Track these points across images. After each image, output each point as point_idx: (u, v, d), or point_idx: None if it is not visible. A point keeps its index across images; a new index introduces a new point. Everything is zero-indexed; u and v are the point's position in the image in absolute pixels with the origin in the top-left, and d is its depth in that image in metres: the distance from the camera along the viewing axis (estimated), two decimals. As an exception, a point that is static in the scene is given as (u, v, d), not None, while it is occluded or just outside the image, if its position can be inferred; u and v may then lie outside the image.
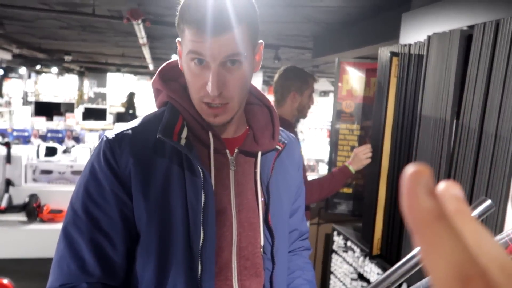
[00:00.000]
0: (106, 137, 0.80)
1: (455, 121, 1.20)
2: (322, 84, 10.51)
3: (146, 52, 5.91)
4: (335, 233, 2.10)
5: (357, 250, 1.89)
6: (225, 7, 0.71)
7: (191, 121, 0.83)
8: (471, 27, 1.53)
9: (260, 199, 0.85)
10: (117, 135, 0.80)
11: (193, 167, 0.78)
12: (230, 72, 0.75)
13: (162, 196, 0.77)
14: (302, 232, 1.05)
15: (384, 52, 1.78)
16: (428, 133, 1.33)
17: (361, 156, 1.85)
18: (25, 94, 13.20)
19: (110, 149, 0.78)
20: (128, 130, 0.81)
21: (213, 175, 0.81)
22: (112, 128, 7.52)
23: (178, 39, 0.81)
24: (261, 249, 0.84)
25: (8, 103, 11.82)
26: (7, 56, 6.87)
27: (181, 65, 0.82)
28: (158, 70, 0.88)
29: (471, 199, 1.19)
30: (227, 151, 0.85)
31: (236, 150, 0.86)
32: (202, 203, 0.77)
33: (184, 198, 0.77)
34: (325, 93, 12.21)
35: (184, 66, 0.79)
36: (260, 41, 0.84)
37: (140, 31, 3.93)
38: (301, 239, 1.05)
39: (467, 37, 1.17)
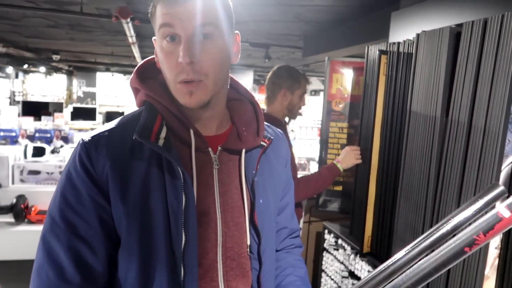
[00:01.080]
0: (83, 140, 0.78)
1: (444, 118, 1.21)
2: (312, 83, 10.53)
3: (136, 51, 5.86)
4: (326, 231, 2.10)
5: (348, 248, 1.89)
6: None
7: (171, 119, 0.80)
8: (460, 25, 1.55)
9: (246, 198, 0.83)
10: (93, 137, 0.78)
11: (173, 168, 0.75)
12: (202, 45, 0.73)
13: (141, 199, 0.75)
14: (293, 229, 1.03)
15: (372, 51, 1.78)
16: (418, 130, 1.33)
17: (352, 155, 1.85)
18: (12, 93, 13.01)
19: (86, 152, 0.76)
20: (104, 132, 0.79)
21: (195, 174, 0.79)
22: (101, 128, 7.46)
23: (154, 37, 0.80)
24: (248, 249, 0.83)
25: (-5, 103, 11.63)
26: (-6, 55, 6.76)
27: (157, 62, 0.81)
28: (135, 68, 0.85)
29: (460, 193, 1.20)
30: (210, 149, 0.83)
31: (219, 148, 0.84)
32: (183, 205, 0.74)
33: (165, 201, 0.75)
34: (315, 92, 12.26)
35: (157, 51, 0.78)
36: (236, 31, 0.83)
37: (129, 29, 3.89)
38: (292, 237, 1.03)
39: (456, 35, 1.18)
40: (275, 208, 0.93)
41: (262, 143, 0.88)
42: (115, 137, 0.78)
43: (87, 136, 0.78)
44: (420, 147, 1.32)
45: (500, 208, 0.51)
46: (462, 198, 1.18)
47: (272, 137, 0.90)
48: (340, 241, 1.96)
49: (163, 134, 0.78)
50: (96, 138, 0.77)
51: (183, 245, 0.74)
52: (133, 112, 0.84)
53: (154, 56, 0.83)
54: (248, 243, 0.83)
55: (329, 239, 2.06)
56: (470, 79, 1.11)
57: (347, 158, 1.86)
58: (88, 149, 0.76)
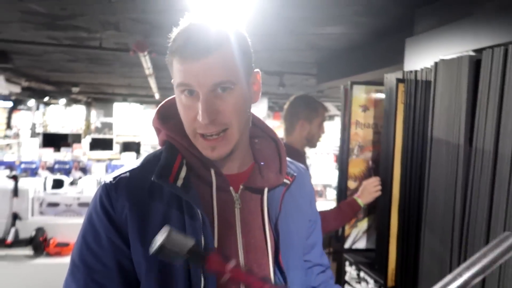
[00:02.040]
0: (104, 181, 0.79)
1: (468, 147, 1.18)
2: (328, 108, 10.54)
3: (152, 82, 5.99)
4: (347, 263, 2.03)
5: (371, 281, 1.82)
6: (207, 31, 0.71)
7: (191, 159, 0.79)
8: (477, 50, 1.53)
9: (269, 238, 0.80)
10: (114, 178, 0.78)
11: (192, 209, 0.74)
12: (221, 99, 0.72)
13: None
14: (324, 265, 1.00)
15: (389, 79, 1.77)
16: (440, 159, 1.30)
17: (371, 188, 1.77)
18: (33, 125, 13.38)
19: (107, 194, 0.76)
20: (126, 172, 0.79)
21: (216, 214, 0.77)
22: (118, 158, 7.56)
23: (173, 80, 0.80)
24: None
25: (17, 135, 11.98)
26: (16, 89, 7.00)
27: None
28: (157, 108, 0.86)
29: (489, 226, 1.15)
30: (231, 188, 0.81)
31: (241, 187, 0.82)
32: (202, 247, 0.73)
33: None
34: (330, 117, 12.23)
35: (177, 101, 0.77)
36: (256, 70, 0.82)
37: (146, 62, 4.00)
38: (324, 272, 1.00)
39: (475, 62, 1.16)
40: (300, 247, 0.90)
41: (285, 180, 0.86)
42: (136, 178, 0.78)
43: (109, 178, 0.79)
44: (443, 176, 1.28)
45: None
46: (492, 228, 1.13)
47: (295, 174, 0.88)
48: (362, 274, 1.90)
49: (182, 174, 0.77)
50: (117, 180, 0.77)
51: None
52: (155, 152, 0.85)
53: (174, 96, 0.84)
54: None
55: (350, 271, 2.00)
56: (494, 107, 1.08)
57: (366, 192, 1.78)
58: (108, 190, 0.76)
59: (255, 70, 0.82)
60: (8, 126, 13.32)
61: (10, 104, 12.55)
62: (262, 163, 0.86)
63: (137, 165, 0.81)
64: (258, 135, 0.90)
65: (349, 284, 2.01)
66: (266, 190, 0.83)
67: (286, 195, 0.85)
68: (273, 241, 0.81)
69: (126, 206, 0.74)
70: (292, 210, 0.87)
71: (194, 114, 0.73)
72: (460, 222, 1.24)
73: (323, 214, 1.82)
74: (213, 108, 0.71)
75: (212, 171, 0.79)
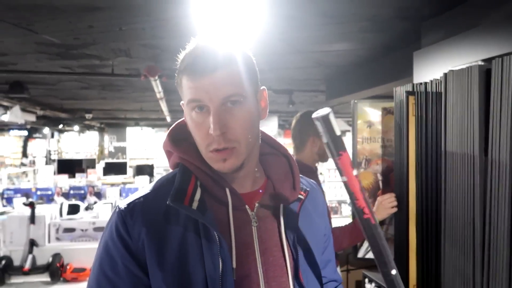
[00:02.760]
0: (119, 207, 0.78)
1: (484, 157, 1.16)
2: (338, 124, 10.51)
3: (163, 105, 6.08)
4: (366, 280, 1.99)
5: (392, 298, 1.78)
6: (214, 49, 0.74)
7: (205, 180, 0.80)
8: (485, 60, 1.52)
9: (287, 255, 0.80)
10: (128, 205, 0.78)
11: (209, 231, 0.74)
12: (231, 113, 0.74)
13: (179, 265, 0.73)
14: (338, 281, 0.99)
15: (398, 92, 1.77)
16: (456, 171, 1.28)
17: (386, 204, 1.74)
18: (48, 152, 13.63)
19: (122, 220, 0.76)
20: (140, 198, 0.79)
21: (233, 234, 0.77)
22: (132, 182, 7.62)
23: (182, 102, 0.81)
24: None
25: (33, 163, 12.20)
26: (32, 118, 7.17)
27: (187, 124, 0.82)
28: (168, 131, 0.87)
29: (511, 233, 1.12)
30: (247, 206, 0.81)
31: (256, 205, 0.82)
32: (220, 270, 0.72)
33: (203, 266, 0.73)
34: (342, 133, 12.19)
35: (187, 120, 0.79)
36: (262, 87, 0.84)
37: (157, 86, 4.07)
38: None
39: (485, 72, 1.16)
40: (318, 262, 0.89)
41: (299, 196, 0.86)
42: (150, 203, 0.78)
43: (123, 204, 0.79)
44: (460, 188, 1.26)
45: (341, 178, 0.62)
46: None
47: (308, 189, 0.88)
48: (382, 291, 1.85)
49: (197, 196, 0.77)
50: (131, 206, 0.77)
51: None
52: (167, 175, 0.85)
53: (183, 118, 0.85)
54: None
55: (370, 288, 1.95)
56: (507, 115, 1.07)
57: (382, 208, 1.75)
58: (124, 217, 0.76)
59: (262, 87, 0.84)
60: (24, 154, 13.59)
61: (25, 133, 12.84)
62: (275, 179, 0.86)
63: (150, 189, 0.81)
64: (269, 152, 0.91)
65: (369, 302, 1.96)
66: (282, 206, 0.83)
67: (301, 210, 0.85)
68: (292, 257, 0.81)
69: (142, 231, 0.74)
70: (308, 225, 0.87)
71: (206, 130, 0.74)
72: (481, 234, 1.21)
73: (338, 230, 1.80)
74: (224, 121, 0.73)
75: (227, 190, 0.80)
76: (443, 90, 1.34)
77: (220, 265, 0.73)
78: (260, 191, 0.85)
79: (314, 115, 0.61)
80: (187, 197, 0.76)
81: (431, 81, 1.51)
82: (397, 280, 0.63)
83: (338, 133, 0.61)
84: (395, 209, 1.74)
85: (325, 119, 0.60)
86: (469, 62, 1.62)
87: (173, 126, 0.88)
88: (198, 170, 0.80)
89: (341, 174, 0.62)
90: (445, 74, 1.32)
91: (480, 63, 1.49)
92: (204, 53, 0.74)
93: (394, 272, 0.62)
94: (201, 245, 0.74)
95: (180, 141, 0.85)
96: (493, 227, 1.16)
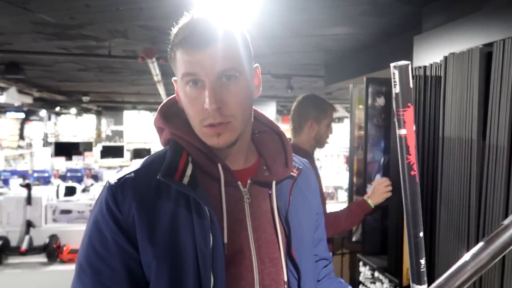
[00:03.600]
0: (109, 182, 0.77)
1: (481, 141, 1.16)
2: (338, 110, 10.51)
3: (161, 89, 6.04)
4: (361, 263, 2.01)
5: (386, 281, 1.80)
6: (210, 24, 0.73)
7: (197, 155, 0.79)
8: (488, 45, 1.51)
9: (280, 232, 0.80)
10: (119, 179, 0.76)
11: (200, 206, 0.74)
12: (226, 87, 0.73)
13: (170, 241, 0.73)
14: (329, 259, 1.00)
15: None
16: (453, 155, 1.28)
17: (381, 189, 1.75)
18: (45, 135, 13.57)
19: (112, 195, 0.74)
20: (130, 173, 0.77)
21: (225, 210, 0.76)
22: (129, 165, 7.62)
23: (174, 78, 0.80)
24: (285, 286, 0.79)
25: (30, 145, 12.16)
26: (28, 100, 7.12)
27: (179, 102, 0.81)
28: (159, 108, 0.85)
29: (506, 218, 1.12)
30: (239, 183, 0.81)
31: (248, 181, 0.82)
32: (211, 245, 0.72)
33: (194, 241, 0.73)
34: (339, 119, 12.18)
35: (181, 95, 0.77)
36: (256, 64, 0.83)
37: (154, 69, 4.03)
38: (326, 267, 0.99)
39: (486, 55, 1.15)
40: (310, 240, 0.89)
41: (292, 173, 0.85)
42: (141, 178, 0.77)
43: (113, 179, 0.77)
44: (457, 172, 1.26)
45: (399, 131, 0.59)
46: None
47: (300, 167, 0.88)
48: (377, 274, 1.87)
49: (189, 171, 0.76)
50: (122, 181, 0.76)
51: (212, 287, 0.71)
52: (159, 152, 0.84)
53: (175, 95, 0.84)
54: (286, 279, 0.79)
55: (364, 271, 1.97)
56: (506, 99, 1.06)
57: (377, 193, 1.77)
58: (114, 192, 0.75)
59: (255, 64, 0.83)
60: (21, 136, 13.54)
61: (22, 115, 12.76)
62: (267, 157, 0.86)
63: (141, 165, 0.80)
64: (262, 129, 0.90)
65: (363, 284, 1.98)
66: (274, 183, 0.82)
67: (293, 187, 0.84)
68: (284, 234, 0.81)
69: (133, 206, 0.73)
70: (300, 203, 0.87)
71: (200, 105, 0.73)
72: (476, 218, 1.22)
73: (334, 215, 1.80)
74: (219, 96, 0.72)
75: (220, 166, 0.79)
76: (442, 74, 1.33)
77: (211, 240, 0.72)
78: (253, 167, 0.84)
79: (393, 64, 0.60)
80: (178, 172, 0.75)
81: (431, 64, 1.50)
82: (422, 243, 0.64)
83: (411, 85, 0.61)
84: (389, 194, 1.76)
85: (404, 69, 0.58)
86: (470, 47, 1.60)
87: (164, 102, 0.87)
88: (190, 146, 0.80)
89: (401, 127, 0.60)
90: (445, 58, 1.31)
91: (480, 47, 1.48)
92: (200, 26, 0.72)
93: (421, 234, 0.63)
94: (192, 220, 0.73)
95: (171, 117, 0.84)
96: (488, 211, 1.17)
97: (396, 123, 0.60)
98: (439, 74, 1.42)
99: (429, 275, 1.53)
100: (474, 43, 1.62)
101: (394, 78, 0.60)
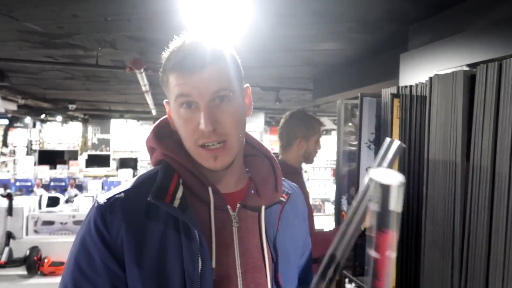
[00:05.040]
0: (98, 202, 0.76)
1: (465, 163, 1.17)
2: (324, 123, 10.59)
3: (149, 99, 6.00)
4: (346, 280, 2.00)
5: (371, 298, 1.79)
6: (202, 46, 0.75)
7: (188, 178, 0.79)
8: (471, 65, 1.54)
9: (267, 257, 0.79)
10: (108, 199, 0.76)
11: (189, 230, 0.73)
12: (220, 109, 0.74)
13: (157, 263, 0.72)
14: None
15: (383, 94, 1.78)
16: (438, 175, 1.29)
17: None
18: (30, 142, 13.33)
19: (101, 216, 0.74)
20: (120, 193, 0.77)
21: (214, 234, 0.76)
22: (115, 174, 7.51)
23: (166, 100, 0.81)
24: None
25: (13, 152, 11.92)
26: (13, 106, 6.99)
27: (171, 123, 0.81)
28: (152, 128, 0.86)
29: (490, 241, 1.13)
30: (229, 206, 0.80)
31: (238, 205, 0.82)
32: (199, 270, 0.71)
33: (182, 265, 0.72)
34: (327, 132, 12.27)
35: (174, 117, 0.78)
36: (246, 84, 0.85)
37: (142, 79, 4.01)
38: None
39: (470, 78, 1.17)
40: (295, 266, 0.89)
41: (281, 198, 0.85)
42: (131, 199, 0.76)
43: (102, 199, 0.77)
44: (442, 192, 1.28)
45: (369, 251, 0.56)
46: (492, 243, 1.12)
47: (289, 192, 0.88)
48: (362, 291, 1.86)
49: (179, 194, 0.76)
50: (111, 201, 0.75)
51: None
52: (149, 171, 0.83)
53: (167, 116, 0.84)
54: None
55: (350, 288, 1.96)
56: (490, 122, 1.08)
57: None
58: (103, 212, 0.74)
59: (246, 84, 0.85)
60: (4, 143, 13.27)
61: (6, 121, 12.52)
62: (257, 181, 0.85)
63: (131, 185, 0.80)
64: (252, 153, 0.90)
65: (348, 302, 1.97)
66: (263, 208, 0.82)
67: (282, 213, 0.84)
68: (271, 259, 0.80)
69: (122, 227, 0.72)
70: (288, 229, 0.87)
71: (194, 126, 0.74)
72: (461, 238, 1.23)
73: (323, 235, 1.79)
74: (214, 117, 0.73)
75: (210, 190, 0.79)
76: (427, 94, 1.35)
77: (200, 265, 0.71)
78: (242, 191, 0.84)
79: (371, 173, 0.51)
80: (169, 195, 0.75)
81: (416, 84, 1.52)
82: None
83: (392, 208, 0.53)
84: None
85: (384, 189, 0.50)
86: (454, 66, 1.63)
87: (157, 122, 0.87)
88: (181, 168, 0.79)
89: (374, 249, 0.54)
90: (430, 78, 1.33)
91: (465, 67, 1.50)
92: (192, 50, 0.74)
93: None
94: (181, 243, 0.73)
95: (164, 138, 0.84)
96: (473, 232, 1.18)
97: (368, 241, 0.54)
98: (424, 94, 1.44)
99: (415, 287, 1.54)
100: (458, 62, 1.65)
101: (372, 192, 0.53)
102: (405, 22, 2.20)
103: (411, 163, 1.51)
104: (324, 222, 3.63)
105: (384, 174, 0.50)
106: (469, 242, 1.20)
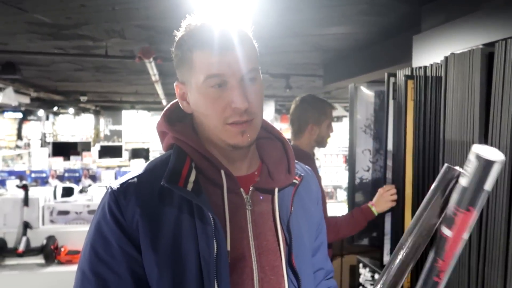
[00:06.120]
0: (111, 188, 0.76)
1: (483, 143, 1.14)
2: (335, 109, 10.50)
3: (159, 89, 6.02)
4: (360, 265, 2.00)
5: (386, 283, 1.78)
6: (228, 26, 0.75)
7: (200, 161, 0.78)
8: (487, 45, 1.49)
9: (281, 240, 0.79)
10: (121, 185, 0.75)
11: (203, 213, 0.72)
12: (250, 88, 0.75)
13: (172, 247, 0.71)
14: (328, 271, 0.97)
15: (397, 76, 1.74)
16: (454, 157, 1.26)
17: (387, 197, 1.67)
18: (43, 135, 13.53)
19: (115, 201, 0.73)
20: (133, 178, 0.76)
21: (228, 217, 0.75)
22: (128, 165, 7.59)
23: (176, 83, 0.80)
24: None
25: (27, 145, 12.12)
26: (26, 100, 7.08)
27: (184, 107, 0.80)
28: (163, 112, 0.85)
29: (509, 223, 1.11)
30: (242, 189, 0.79)
31: (251, 188, 0.81)
32: (215, 252, 0.71)
33: (196, 248, 0.71)
34: (338, 118, 12.18)
35: (196, 97, 0.76)
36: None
37: (152, 68, 4.01)
38: (327, 279, 0.97)
39: (487, 55, 1.13)
40: (310, 249, 0.88)
41: (294, 180, 0.84)
42: (144, 184, 0.75)
43: (115, 184, 0.76)
44: (458, 174, 1.25)
45: (442, 228, 0.50)
46: (511, 222, 1.10)
47: (302, 174, 0.86)
48: (377, 276, 1.86)
49: (192, 177, 0.75)
50: (124, 186, 0.75)
51: None
52: (161, 156, 0.82)
53: (177, 100, 0.83)
54: (286, 287, 0.77)
55: (364, 273, 1.96)
56: (509, 100, 1.05)
57: (382, 201, 1.69)
58: (117, 197, 0.74)
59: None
60: (19, 136, 13.49)
61: (20, 115, 12.72)
62: (270, 163, 0.84)
63: (144, 170, 0.79)
64: (264, 135, 0.88)
65: (363, 286, 1.97)
66: (276, 190, 0.81)
67: (295, 195, 0.83)
68: (285, 242, 0.79)
69: (136, 212, 0.72)
70: (302, 211, 0.85)
71: (224, 104, 0.73)
72: (478, 222, 1.20)
73: (334, 221, 1.77)
74: (247, 96, 0.74)
75: (223, 173, 0.78)
76: (443, 74, 1.31)
77: (215, 248, 0.71)
78: (255, 174, 0.83)
79: (476, 148, 0.46)
80: (182, 178, 0.74)
81: (431, 65, 1.48)
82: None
83: (486, 187, 0.48)
84: (395, 203, 1.68)
85: (486, 164, 0.46)
86: (470, 46, 1.58)
87: (167, 106, 0.85)
88: (193, 151, 0.78)
89: (447, 226, 0.49)
90: (446, 58, 1.29)
91: (481, 47, 1.46)
92: (221, 29, 0.74)
93: None
94: (195, 227, 0.72)
95: (175, 121, 0.83)
96: (491, 214, 1.15)
97: (442, 217, 0.49)
98: (440, 75, 1.40)
99: None
100: (474, 42, 1.60)
101: (467, 166, 0.48)
102: (418, 2, 2.14)
103: (426, 145, 1.48)
104: (337, 209, 3.60)
105: (488, 151, 0.47)
106: (487, 226, 1.18)
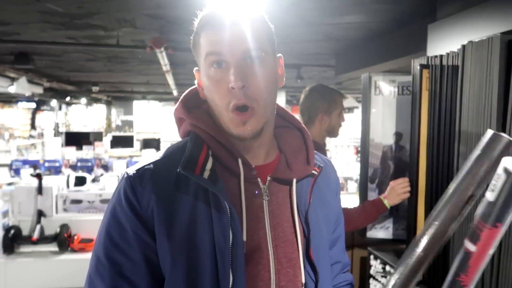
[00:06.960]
0: (127, 173, 0.75)
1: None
2: (346, 100, 10.39)
3: (170, 79, 6.01)
4: (371, 257, 1.98)
5: (397, 275, 1.77)
6: (234, 6, 0.73)
7: (218, 149, 0.76)
8: (505, 33, 1.45)
9: (299, 231, 0.77)
10: (137, 170, 0.75)
11: (219, 202, 0.71)
12: (251, 68, 0.72)
13: (187, 235, 0.70)
14: (345, 264, 0.95)
15: (412, 65, 1.70)
16: (470, 149, 1.23)
17: (399, 190, 1.64)
18: (56, 125, 13.70)
19: (131, 187, 0.72)
20: (149, 164, 0.75)
21: (244, 207, 0.74)
22: (139, 155, 7.65)
23: (196, 68, 0.79)
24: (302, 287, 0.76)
25: (41, 135, 12.29)
26: (39, 90, 7.16)
27: (201, 92, 0.79)
28: (181, 98, 0.83)
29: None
30: (259, 179, 0.78)
31: (268, 178, 0.79)
32: (230, 242, 0.70)
33: (212, 237, 0.70)
34: (349, 110, 12.08)
35: (204, 80, 0.76)
36: (279, 54, 0.82)
37: (163, 58, 4.00)
38: (344, 272, 0.96)
39: (507, 43, 1.09)
40: (328, 242, 0.86)
41: (313, 171, 0.82)
42: (160, 170, 0.75)
43: (131, 170, 0.76)
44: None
45: (466, 243, 0.48)
46: None
47: (322, 165, 0.84)
48: (388, 268, 1.84)
49: (209, 165, 0.74)
50: (141, 172, 0.74)
51: (230, 285, 0.69)
52: (178, 143, 0.81)
53: (196, 86, 0.82)
54: (303, 280, 0.76)
55: (375, 265, 1.95)
56: (528, 90, 1.02)
57: (394, 193, 1.66)
58: (133, 183, 0.73)
59: (278, 54, 0.82)
60: (33, 126, 13.69)
61: (33, 105, 12.87)
62: (288, 153, 0.82)
63: (160, 156, 0.78)
64: (283, 124, 0.87)
65: (374, 278, 1.96)
66: (294, 181, 0.79)
67: (314, 186, 0.81)
68: (303, 234, 0.78)
69: (152, 199, 0.71)
70: (320, 203, 0.83)
71: (225, 86, 0.72)
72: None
73: (346, 212, 1.75)
74: (244, 74, 0.71)
75: (240, 162, 0.76)
76: (460, 63, 1.28)
77: (231, 237, 0.70)
78: (273, 164, 0.81)
79: (505, 161, 0.44)
80: (199, 166, 0.73)
81: (447, 53, 1.45)
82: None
83: None
84: (407, 195, 1.65)
85: None
86: (487, 35, 1.54)
87: (186, 93, 0.84)
88: (210, 139, 0.77)
89: (473, 242, 0.47)
90: (463, 46, 1.26)
91: (500, 35, 1.42)
92: (223, 9, 0.73)
93: None
94: (211, 215, 0.71)
95: (192, 108, 0.82)
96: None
97: (469, 232, 0.48)
98: (456, 64, 1.37)
99: (443, 271, 1.50)
100: (492, 31, 1.55)
101: (495, 179, 0.46)
102: (434, -10, 2.09)
103: (441, 136, 1.45)
104: (348, 200, 3.58)
105: None
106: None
